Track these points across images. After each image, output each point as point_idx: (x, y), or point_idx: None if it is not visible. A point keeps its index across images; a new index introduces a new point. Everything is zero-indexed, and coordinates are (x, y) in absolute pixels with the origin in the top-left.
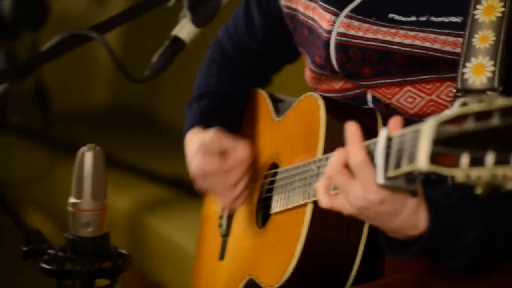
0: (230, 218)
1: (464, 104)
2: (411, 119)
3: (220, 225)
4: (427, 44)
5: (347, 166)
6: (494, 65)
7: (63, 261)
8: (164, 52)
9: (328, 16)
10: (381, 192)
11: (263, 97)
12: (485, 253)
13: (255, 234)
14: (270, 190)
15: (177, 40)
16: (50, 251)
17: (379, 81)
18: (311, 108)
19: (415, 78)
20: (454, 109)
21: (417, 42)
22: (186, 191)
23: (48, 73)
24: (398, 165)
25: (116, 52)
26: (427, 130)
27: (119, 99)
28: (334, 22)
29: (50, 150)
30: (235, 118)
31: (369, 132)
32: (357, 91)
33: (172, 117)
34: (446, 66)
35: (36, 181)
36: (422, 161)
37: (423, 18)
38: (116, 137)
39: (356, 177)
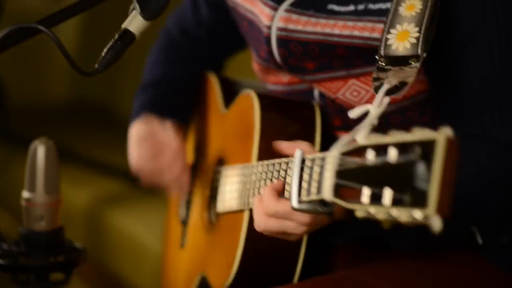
0: (188, 206)
1: (389, 91)
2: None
3: (179, 213)
4: (366, 34)
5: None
6: (419, 32)
7: (17, 255)
8: (113, 45)
9: (267, 10)
10: (308, 217)
11: (213, 85)
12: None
13: (207, 228)
14: (217, 188)
15: (126, 33)
16: (3, 245)
17: (323, 75)
18: (247, 108)
19: (358, 70)
20: (357, 140)
21: (356, 33)
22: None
23: (6, 68)
24: (308, 192)
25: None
26: (331, 161)
27: (78, 94)
28: (273, 17)
29: (6, 144)
30: (183, 106)
31: (308, 126)
32: (304, 86)
33: (130, 110)
34: None
35: None
36: (327, 193)
37: (361, 7)
38: (75, 131)
39: (283, 221)
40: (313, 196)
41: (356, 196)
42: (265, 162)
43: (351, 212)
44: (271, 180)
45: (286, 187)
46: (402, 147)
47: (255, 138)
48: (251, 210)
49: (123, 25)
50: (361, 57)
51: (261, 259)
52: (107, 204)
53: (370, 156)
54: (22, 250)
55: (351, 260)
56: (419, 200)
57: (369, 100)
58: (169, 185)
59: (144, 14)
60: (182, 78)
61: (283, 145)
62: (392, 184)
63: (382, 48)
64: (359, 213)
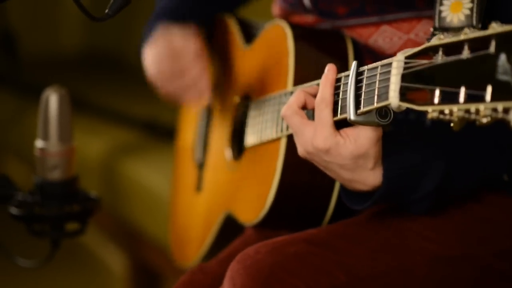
0: (204, 148)
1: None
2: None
3: (195, 156)
4: None
5: (304, 108)
6: (472, 2)
7: (32, 205)
8: None
9: None
10: (327, 141)
11: (231, 23)
12: (447, 196)
13: (230, 166)
14: (243, 122)
15: None
16: (18, 195)
17: (354, 21)
18: (278, 38)
19: (391, 16)
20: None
21: None
22: (159, 134)
23: (18, 17)
24: (369, 101)
25: None
26: (396, 65)
27: (91, 42)
28: None
29: (20, 94)
30: (203, 9)
31: (340, 58)
32: (332, 25)
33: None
34: (422, 3)
35: (6, 125)
36: (393, 97)
37: None
38: (87, 80)
39: (314, 117)
40: (375, 103)
41: (426, 98)
42: (307, 84)
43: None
44: None
45: (339, 103)
46: (475, 43)
47: (289, 65)
48: (288, 137)
49: None
50: (394, 3)
51: (296, 191)
52: (122, 154)
53: (439, 56)
54: (37, 200)
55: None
56: (501, 93)
57: (402, 47)
58: (188, 91)
59: None
60: (196, 11)
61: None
62: (468, 81)
63: (436, 20)
64: (432, 114)
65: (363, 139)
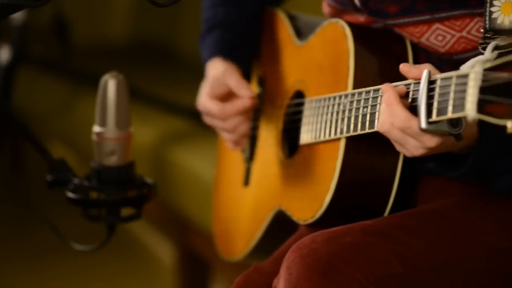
0: (253, 143)
1: (496, 47)
2: (442, 58)
3: (243, 150)
4: None
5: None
6: None
7: (88, 190)
8: None
9: None
10: (434, 139)
11: (281, 18)
12: None
13: (282, 163)
14: (297, 120)
15: None
16: (75, 180)
17: (406, 20)
18: (337, 37)
19: (443, 14)
20: (499, 57)
21: None
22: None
23: (68, 5)
24: (442, 111)
25: None
26: (474, 77)
27: (139, 31)
28: None
29: (71, 82)
30: (250, 46)
31: (399, 60)
32: (383, 24)
33: (192, 48)
34: (475, 1)
35: (57, 113)
36: (470, 110)
37: None
38: (136, 69)
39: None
40: (447, 114)
41: (504, 112)
42: (367, 89)
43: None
44: (379, 105)
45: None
46: None
47: (350, 66)
48: (348, 138)
49: None
50: (446, 0)
51: (354, 190)
52: (170, 142)
53: None
54: (93, 185)
55: (431, 197)
56: None
57: (455, 45)
58: (225, 133)
59: None
60: (244, 17)
61: (404, 68)
62: None
63: (487, 22)
64: (509, 128)
65: None
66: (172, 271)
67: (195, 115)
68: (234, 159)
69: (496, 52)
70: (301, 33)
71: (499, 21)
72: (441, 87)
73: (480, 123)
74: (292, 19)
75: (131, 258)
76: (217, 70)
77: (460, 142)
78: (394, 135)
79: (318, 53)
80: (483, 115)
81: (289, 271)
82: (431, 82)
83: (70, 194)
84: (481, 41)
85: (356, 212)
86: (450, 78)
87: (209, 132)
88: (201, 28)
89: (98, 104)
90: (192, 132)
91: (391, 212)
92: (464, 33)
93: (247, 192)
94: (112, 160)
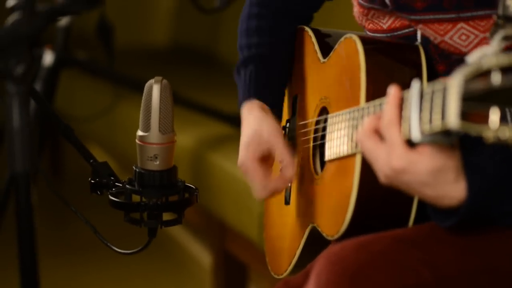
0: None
1: (506, 38)
2: (463, 60)
3: (282, 169)
4: None
5: (377, 132)
6: None
7: (131, 194)
8: None
9: None
10: (401, 160)
11: (309, 36)
12: None
13: (313, 180)
14: (323, 136)
15: None
16: (117, 184)
17: (431, 16)
18: (351, 52)
19: (468, 14)
20: (488, 50)
21: None
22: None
23: (111, 9)
24: (430, 122)
25: None
26: (455, 86)
27: (180, 36)
28: None
29: (113, 86)
30: (283, 81)
31: (414, 69)
32: (406, 30)
33: (233, 54)
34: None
35: (99, 117)
36: (452, 118)
37: None
38: (177, 74)
39: (383, 139)
40: (436, 125)
41: (484, 121)
42: (376, 101)
43: None
44: None
45: (403, 123)
46: None
47: (361, 80)
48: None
49: None
50: (474, 0)
51: (375, 203)
52: (211, 147)
53: (496, 78)
54: (136, 189)
55: None
56: None
57: (478, 45)
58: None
59: None
60: (277, 49)
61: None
62: None
63: (500, 7)
64: (488, 138)
65: (438, 153)
66: (210, 273)
67: (234, 120)
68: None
69: (504, 42)
70: (326, 49)
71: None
72: (429, 97)
73: (470, 178)
74: (318, 35)
75: (169, 260)
76: (260, 122)
77: (429, 192)
78: (368, 144)
79: (337, 69)
80: (465, 122)
81: (318, 278)
82: (421, 93)
83: (113, 198)
84: (491, 30)
85: (380, 224)
86: (434, 88)
87: None
88: (239, 57)
89: (142, 109)
90: (231, 137)
91: (416, 222)
92: (487, 34)
93: (288, 210)
94: (155, 165)
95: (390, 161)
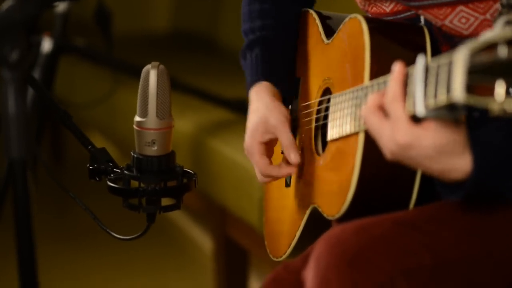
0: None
1: (508, 22)
2: (466, 42)
3: (282, 152)
4: None
5: (381, 109)
6: None
7: (129, 179)
8: None
9: None
10: (407, 136)
11: (313, 18)
12: None
13: (315, 161)
14: (326, 116)
15: None
16: (116, 170)
17: (430, 1)
18: (355, 32)
19: None
20: (491, 34)
21: None
22: (247, 114)
23: None
24: (435, 97)
25: None
26: (460, 60)
27: (180, 22)
28: None
29: (112, 72)
30: (290, 62)
31: (418, 50)
32: (409, 13)
33: (233, 40)
34: None
35: (98, 104)
36: (458, 91)
37: None
38: (177, 60)
39: (388, 115)
40: (441, 99)
41: (489, 93)
42: (381, 79)
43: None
44: None
45: (408, 99)
46: None
47: (366, 60)
48: (366, 132)
49: None
50: None
51: (377, 183)
52: (211, 132)
53: (503, 51)
54: (134, 174)
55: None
56: None
57: (478, 27)
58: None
59: None
60: (281, 30)
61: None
62: None
63: None
64: (494, 110)
65: (443, 127)
66: (210, 258)
67: (235, 106)
68: (277, 159)
69: (507, 28)
70: (330, 30)
71: None
72: (435, 71)
73: (476, 151)
74: (322, 17)
75: (170, 245)
76: (267, 107)
77: (435, 166)
78: (372, 120)
79: (341, 50)
80: (471, 95)
81: (317, 261)
82: (426, 68)
83: (111, 184)
84: (496, 17)
85: (381, 204)
86: (440, 61)
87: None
88: (245, 41)
89: (139, 94)
90: (231, 122)
91: (417, 203)
92: (488, 16)
93: (288, 192)
94: (153, 150)
95: (395, 136)
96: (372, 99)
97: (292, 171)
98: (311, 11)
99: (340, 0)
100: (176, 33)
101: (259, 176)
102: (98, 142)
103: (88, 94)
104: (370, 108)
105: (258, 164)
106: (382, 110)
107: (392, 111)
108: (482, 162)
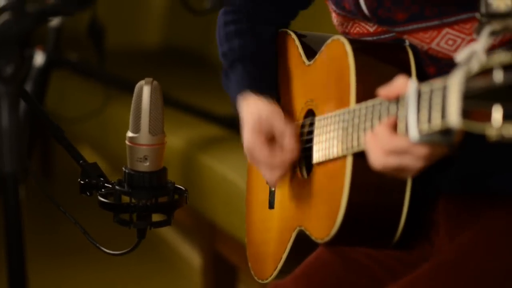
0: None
1: (493, 32)
2: (453, 63)
3: None
4: None
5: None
6: None
7: (120, 195)
8: None
9: None
10: (404, 141)
11: (292, 39)
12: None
13: (300, 184)
14: (310, 140)
15: None
16: (107, 185)
17: (414, 26)
18: (339, 54)
19: (452, 19)
20: (478, 45)
21: None
22: (238, 130)
23: (102, 10)
24: (429, 122)
25: None
26: (455, 84)
27: (172, 38)
28: None
29: (104, 87)
30: (273, 72)
31: (403, 69)
32: (393, 34)
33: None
34: None
35: (90, 118)
36: (454, 116)
37: None
38: (169, 75)
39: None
40: (435, 124)
41: (486, 119)
42: (369, 102)
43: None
44: (379, 119)
45: (399, 123)
46: None
47: (351, 82)
48: (354, 155)
49: None
50: (455, 4)
51: (366, 207)
52: (202, 148)
53: (498, 75)
54: (125, 190)
55: (453, 213)
56: None
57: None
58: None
59: None
60: (260, 47)
61: (383, 93)
62: None
63: (483, 6)
64: (492, 136)
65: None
66: (200, 274)
67: (226, 122)
68: (261, 182)
69: (492, 38)
70: (310, 51)
71: (494, 5)
72: (427, 96)
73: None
74: (301, 38)
75: (159, 261)
76: (257, 106)
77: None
78: (390, 162)
79: (324, 71)
80: (467, 120)
81: None
82: (418, 93)
83: (102, 199)
84: (475, 28)
85: (370, 229)
86: (433, 87)
87: (239, 140)
88: (223, 63)
89: (132, 110)
90: (223, 139)
91: (405, 229)
92: (474, 36)
93: (273, 214)
94: (145, 166)
95: (391, 141)
96: (374, 150)
97: (292, 154)
98: (289, 31)
99: (316, 21)
100: (168, 49)
101: (265, 175)
102: (89, 156)
103: (80, 109)
104: (380, 160)
105: (260, 159)
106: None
107: (400, 150)
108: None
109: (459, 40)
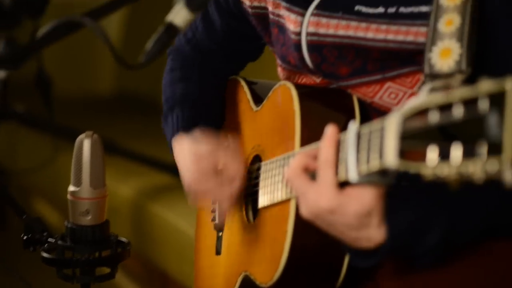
0: (222, 212)
1: (432, 89)
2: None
3: (213, 219)
4: (401, 38)
5: (306, 170)
6: (461, 47)
7: (63, 249)
8: (158, 38)
9: (293, 17)
10: (332, 202)
11: (241, 85)
12: (452, 248)
13: (246, 228)
14: (256, 184)
15: (171, 26)
16: (50, 239)
17: (358, 80)
18: (284, 99)
19: (394, 73)
20: (418, 100)
21: (391, 36)
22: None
23: (51, 60)
24: (368, 162)
25: (120, 39)
26: (392, 125)
27: (123, 86)
28: (301, 22)
29: (53, 138)
30: (213, 118)
31: (347, 114)
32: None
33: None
34: (422, 57)
35: (40, 170)
36: (390, 157)
37: (391, 10)
38: (119, 124)
39: (317, 177)
40: (374, 165)
41: (422, 159)
42: (312, 145)
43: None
44: None
45: (339, 165)
46: (468, 102)
47: (296, 126)
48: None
49: (168, 18)
50: (397, 59)
51: (309, 251)
52: (152, 197)
53: (434, 116)
54: (68, 244)
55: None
56: (493, 151)
57: (407, 101)
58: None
59: (190, 5)
60: (203, 91)
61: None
62: (461, 140)
63: (427, 67)
64: (427, 175)
65: (367, 197)
66: None
67: (176, 170)
68: (208, 228)
69: (432, 94)
70: (258, 98)
71: (437, 66)
72: (365, 139)
73: (388, 222)
74: (250, 85)
75: None
76: (193, 145)
77: (352, 235)
78: (298, 182)
79: (270, 116)
80: (403, 160)
81: None
82: (358, 134)
83: (45, 254)
84: (419, 87)
85: (313, 273)
86: (372, 127)
87: None
88: (163, 109)
89: (73, 164)
90: (173, 187)
91: (348, 273)
92: (415, 89)
93: (219, 260)
94: (87, 220)
95: (319, 200)
96: (296, 160)
97: (237, 179)
98: (239, 78)
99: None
100: (120, 96)
101: (218, 204)
102: (42, 207)
103: (29, 160)
104: (294, 170)
105: (208, 183)
106: (307, 172)
107: (322, 175)
108: (394, 241)
109: (401, 94)
